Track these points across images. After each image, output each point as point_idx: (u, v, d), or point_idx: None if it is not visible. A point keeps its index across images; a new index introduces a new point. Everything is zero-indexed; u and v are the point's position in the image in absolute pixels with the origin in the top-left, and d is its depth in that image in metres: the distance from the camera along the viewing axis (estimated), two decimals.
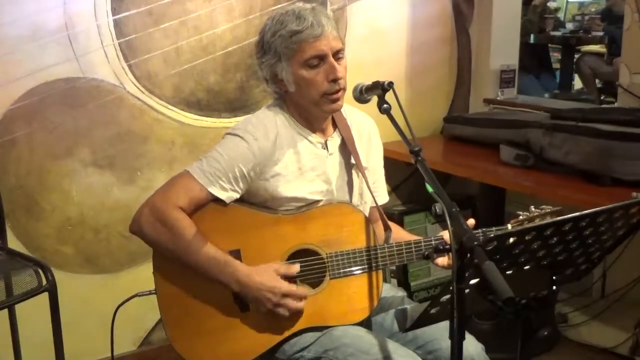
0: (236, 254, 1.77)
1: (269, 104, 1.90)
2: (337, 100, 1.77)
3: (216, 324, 1.77)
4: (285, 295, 1.73)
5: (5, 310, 2.22)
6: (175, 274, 1.77)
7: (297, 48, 1.72)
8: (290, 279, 1.77)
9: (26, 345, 2.34)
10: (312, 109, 1.81)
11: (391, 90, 1.64)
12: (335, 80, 1.74)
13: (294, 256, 1.80)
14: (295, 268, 1.77)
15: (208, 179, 1.74)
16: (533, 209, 1.85)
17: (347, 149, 1.89)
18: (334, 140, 1.89)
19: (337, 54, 1.75)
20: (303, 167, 1.83)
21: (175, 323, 1.78)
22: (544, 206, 1.85)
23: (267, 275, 1.73)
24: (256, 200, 1.82)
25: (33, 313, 2.15)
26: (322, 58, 1.73)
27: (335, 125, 1.90)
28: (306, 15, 1.72)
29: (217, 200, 1.76)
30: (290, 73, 1.76)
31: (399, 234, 1.97)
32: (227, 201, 1.77)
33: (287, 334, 1.79)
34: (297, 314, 1.77)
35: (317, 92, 1.75)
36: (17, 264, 2.02)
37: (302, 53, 1.72)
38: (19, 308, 2.18)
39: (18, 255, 2.14)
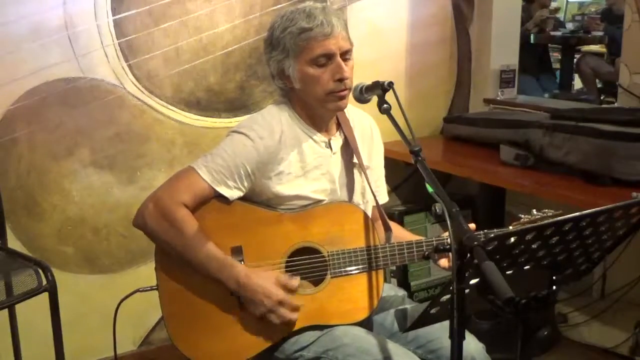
0: (238, 251, 1.78)
1: (275, 101, 1.92)
2: (342, 98, 1.78)
3: (217, 321, 1.77)
4: (280, 303, 1.72)
5: (5, 310, 2.22)
6: (177, 270, 1.78)
7: (306, 45, 1.73)
8: (288, 291, 1.76)
9: (26, 345, 2.34)
10: (317, 107, 1.82)
11: (391, 90, 1.64)
12: (341, 80, 1.75)
13: (295, 254, 1.81)
14: (295, 282, 1.77)
15: (213, 176, 1.75)
16: (535, 212, 1.84)
17: (349, 149, 1.90)
18: (337, 139, 1.90)
19: (345, 54, 1.76)
20: (307, 166, 1.83)
21: (176, 319, 1.78)
22: (546, 210, 1.85)
23: (266, 279, 1.74)
24: (260, 199, 1.83)
25: (33, 313, 2.15)
26: (329, 57, 1.74)
27: (338, 125, 1.91)
28: (317, 14, 1.73)
29: (220, 197, 1.77)
30: (297, 70, 1.76)
31: (400, 233, 1.97)
32: (231, 199, 1.78)
33: (287, 332, 1.79)
34: (296, 313, 1.77)
35: (322, 90, 1.76)
36: (17, 264, 2.02)
37: (310, 51, 1.73)
38: (19, 308, 2.18)
39: (18, 255, 2.14)
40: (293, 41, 1.74)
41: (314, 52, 1.73)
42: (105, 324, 2.00)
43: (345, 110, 1.90)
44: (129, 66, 2.65)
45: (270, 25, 1.81)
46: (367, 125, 1.98)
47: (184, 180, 1.77)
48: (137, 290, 1.87)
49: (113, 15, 2.59)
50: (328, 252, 1.80)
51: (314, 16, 1.73)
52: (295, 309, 1.75)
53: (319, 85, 1.76)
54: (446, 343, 1.34)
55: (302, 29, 1.72)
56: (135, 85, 2.68)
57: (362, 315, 1.81)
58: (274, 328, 1.78)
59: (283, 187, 1.80)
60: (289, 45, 1.75)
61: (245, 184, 1.79)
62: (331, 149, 1.88)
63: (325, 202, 1.85)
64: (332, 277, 1.80)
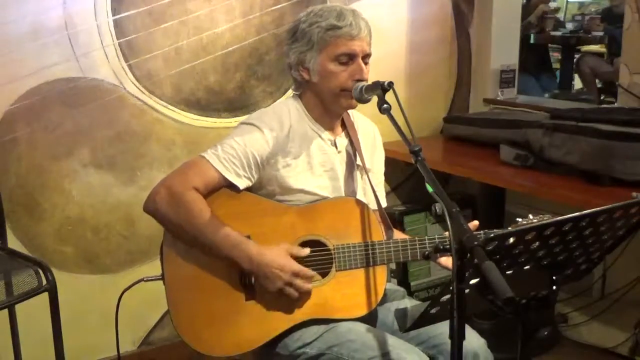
0: None
1: (289, 96, 1.95)
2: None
3: (221, 311, 1.79)
4: (295, 274, 1.75)
5: (5, 310, 2.22)
6: (183, 259, 1.79)
7: (332, 42, 1.79)
8: (299, 260, 1.79)
9: (26, 345, 2.34)
10: (330, 102, 1.86)
11: (391, 90, 1.66)
12: (359, 81, 1.79)
13: (301, 246, 1.82)
14: (306, 251, 1.80)
15: (223, 164, 1.78)
16: (532, 217, 1.85)
17: (353, 150, 1.94)
18: (342, 139, 1.94)
19: (365, 59, 1.83)
20: (312, 161, 1.87)
21: (181, 309, 1.79)
22: (541, 215, 1.85)
23: (278, 254, 1.76)
24: (266, 191, 1.85)
25: (33, 313, 2.15)
26: (351, 57, 1.80)
27: (343, 126, 1.95)
28: (347, 15, 1.81)
29: (229, 186, 1.80)
30: (318, 64, 1.82)
31: (401, 236, 1.98)
32: (241, 187, 1.80)
33: (291, 323, 1.80)
34: (301, 302, 1.79)
35: (338, 86, 1.81)
36: (17, 264, 2.02)
37: (335, 47, 1.79)
38: (19, 308, 2.18)
39: (18, 255, 2.14)
40: (320, 35, 1.79)
41: (338, 50, 1.79)
42: (105, 323, 2.00)
43: (350, 113, 1.95)
44: (129, 66, 2.65)
45: (296, 18, 1.87)
46: (370, 131, 2.03)
47: (194, 168, 1.80)
48: (142, 280, 1.88)
49: (113, 15, 2.59)
50: (334, 245, 1.82)
51: (344, 16, 1.80)
52: (309, 278, 1.78)
53: (336, 81, 1.81)
54: (448, 339, 1.34)
55: (332, 25, 1.78)
56: (135, 85, 2.68)
57: (365, 310, 1.83)
58: (279, 319, 1.79)
59: (289, 179, 1.84)
60: (315, 38, 1.80)
61: (254, 174, 1.82)
62: (336, 147, 1.92)
63: (331, 197, 1.88)
64: (337, 271, 1.82)
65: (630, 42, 2.98)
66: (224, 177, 1.78)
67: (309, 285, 1.78)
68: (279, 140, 1.82)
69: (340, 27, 1.78)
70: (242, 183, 1.80)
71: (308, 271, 1.78)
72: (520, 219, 1.84)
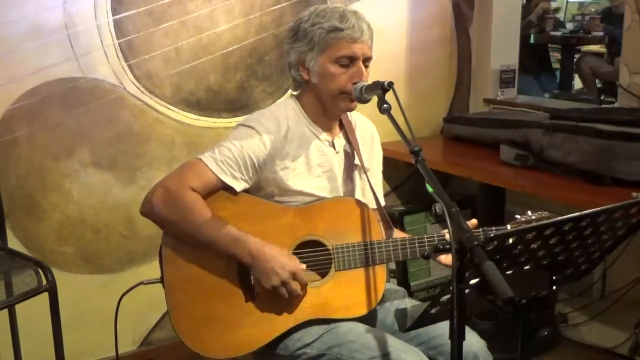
0: None
1: (288, 96, 1.96)
2: (353, 100, 1.81)
3: (221, 313, 1.78)
4: (293, 274, 1.74)
5: (5, 310, 2.22)
6: (183, 261, 1.79)
7: (333, 44, 1.78)
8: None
9: (26, 345, 2.34)
10: (328, 104, 1.85)
11: (391, 90, 1.66)
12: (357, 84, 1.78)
13: (301, 247, 1.83)
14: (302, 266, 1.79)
15: (220, 167, 1.78)
16: (530, 214, 1.85)
17: (351, 150, 1.94)
18: (340, 139, 1.94)
19: (366, 62, 1.82)
20: (311, 162, 1.87)
21: (181, 310, 1.79)
22: (540, 212, 1.85)
23: (279, 252, 1.76)
24: (264, 193, 1.85)
25: (33, 313, 2.15)
26: (352, 60, 1.80)
27: (341, 126, 1.95)
28: (350, 17, 1.80)
29: (227, 188, 1.80)
30: (318, 65, 1.81)
31: (400, 235, 1.98)
32: (238, 190, 1.80)
33: (291, 324, 1.80)
34: (301, 303, 1.79)
35: (337, 88, 1.81)
36: (17, 264, 2.02)
37: (336, 50, 1.79)
38: (19, 308, 2.18)
39: (18, 255, 2.15)
40: (322, 37, 1.79)
41: (340, 52, 1.78)
42: (105, 323, 2.00)
43: (348, 112, 1.94)
44: (129, 66, 2.65)
45: (298, 18, 1.86)
46: (368, 130, 2.03)
47: (191, 170, 1.80)
48: (141, 283, 1.88)
49: (113, 15, 2.59)
50: (333, 245, 1.82)
51: (347, 18, 1.79)
52: (304, 285, 1.78)
53: (336, 83, 1.80)
54: (448, 339, 1.34)
55: (334, 27, 1.77)
56: (135, 85, 2.68)
57: (366, 309, 1.83)
58: (279, 320, 1.79)
59: (288, 181, 1.83)
60: (317, 39, 1.79)
61: (252, 175, 1.82)
62: (334, 148, 1.91)
63: (330, 197, 1.87)
64: (336, 271, 1.82)
65: (630, 42, 2.98)
66: (220, 179, 1.78)
67: (302, 292, 1.78)
68: (277, 143, 1.82)
69: (343, 29, 1.77)
70: (239, 185, 1.80)
71: (303, 278, 1.77)
72: (518, 216, 1.84)
